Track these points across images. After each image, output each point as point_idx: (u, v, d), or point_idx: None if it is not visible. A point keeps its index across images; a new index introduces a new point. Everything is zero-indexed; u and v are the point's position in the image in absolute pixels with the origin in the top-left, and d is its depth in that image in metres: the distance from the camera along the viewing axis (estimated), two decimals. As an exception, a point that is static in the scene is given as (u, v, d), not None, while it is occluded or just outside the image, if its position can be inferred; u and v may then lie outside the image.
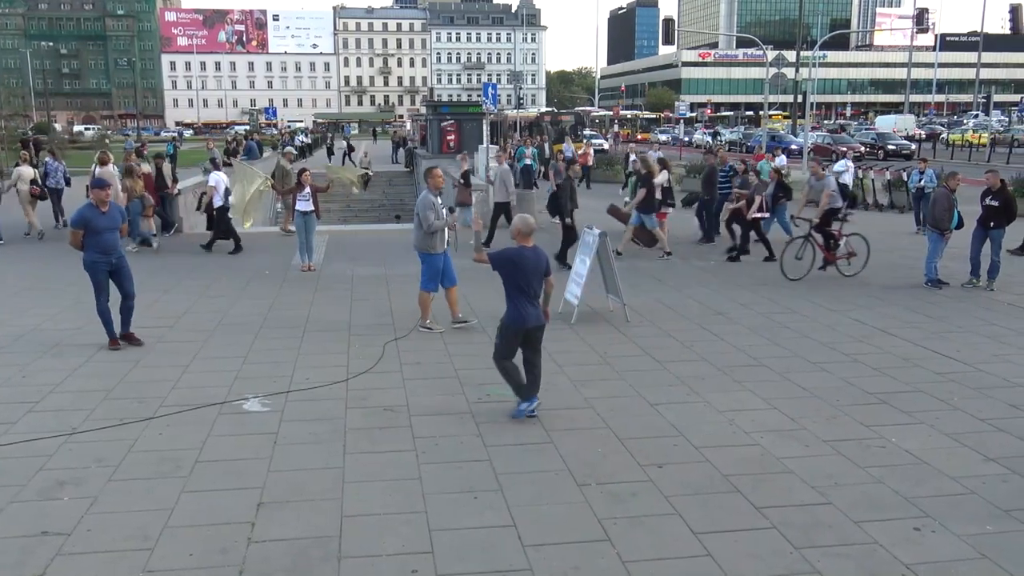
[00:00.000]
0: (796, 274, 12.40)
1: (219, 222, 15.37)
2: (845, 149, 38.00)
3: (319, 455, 5.97)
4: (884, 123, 63.87)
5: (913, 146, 44.22)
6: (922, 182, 18.39)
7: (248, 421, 6.67)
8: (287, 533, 4.84)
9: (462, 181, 17.13)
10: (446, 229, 9.38)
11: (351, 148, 43.65)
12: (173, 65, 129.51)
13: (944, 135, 55.57)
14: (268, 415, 6.78)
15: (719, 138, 56.51)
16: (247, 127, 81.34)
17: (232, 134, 56.91)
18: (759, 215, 14.26)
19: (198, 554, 4.59)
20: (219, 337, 9.25)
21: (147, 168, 16.96)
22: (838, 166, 21.71)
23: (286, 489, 5.41)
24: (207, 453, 6.00)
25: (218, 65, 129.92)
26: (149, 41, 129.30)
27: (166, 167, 17.83)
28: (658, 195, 14.58)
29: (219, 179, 15.40)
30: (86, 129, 76.99)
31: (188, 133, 76.52)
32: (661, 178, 14.94)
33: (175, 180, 18.19)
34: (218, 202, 15.29)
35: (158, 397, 7.18)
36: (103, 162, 15.83)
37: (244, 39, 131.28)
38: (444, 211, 9.39)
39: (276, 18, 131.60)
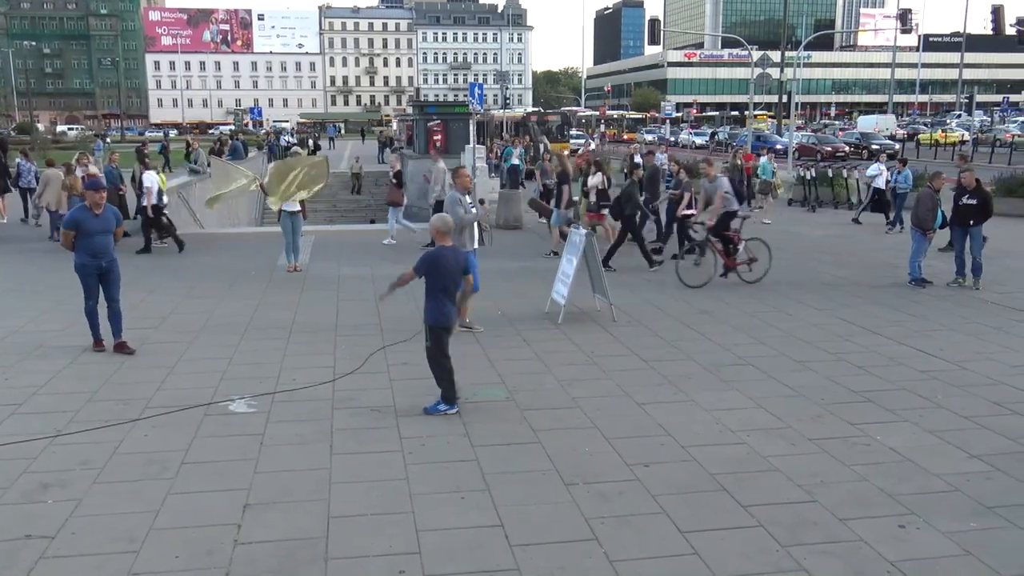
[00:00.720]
0: (695, 281, 11.94)
1: (154, 223, 15.20)
2: (877, 149, 38.39)
3: (305, 456, 5.95)
4: (866, 123, 64.70)
5: (897, 145, 44.55)
6: (893, 183, 18.43)
7: (234, 422, 6.64)
8: (273, 534, 4.82)
9: (394, 181, 17.01)
10: (476, 227, 9.18)
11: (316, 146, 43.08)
12: (157, 65, 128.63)
13: (917, 135, 56.55)
14: (254, 416, 6.76)
15: (716, 138, 56.74)
16: (231, 127, 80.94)
17: (218, 134, 56.60)
18: (687, 212, 14.24)
19: (184, 556, 4.57)
20: (204, 338, 9.20)
21: (94, 169, 17.09)
22: (871, 170, 19.40)
23: (272, 490, 5.39)
24: (193, 455, 5.97)
25: (203, 65, 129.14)
26: (133, 41, 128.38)
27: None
28: (593, 197, 14.94)
29: (153, 180, 15.17)
30: (69, 129, 76.41)
31: (173, 133, 76.14)
32: (595, 180, 15.18)
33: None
34: (152, 202, 15.02)
35: (143, 399, 7.13)
36: (82, 163, 16.05)
37: (229, 39, 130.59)
38: (473, 208, 9.24)
39: (261, 18, 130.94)
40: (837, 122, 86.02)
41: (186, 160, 28.97)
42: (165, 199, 15.79)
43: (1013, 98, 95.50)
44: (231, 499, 5.25)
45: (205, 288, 11.98)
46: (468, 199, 9.23)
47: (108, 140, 64.32)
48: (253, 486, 5.45)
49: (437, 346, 6.79)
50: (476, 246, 9.29)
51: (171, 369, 8.01)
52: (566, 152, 36.89)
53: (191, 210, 20.96)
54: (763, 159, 21.17)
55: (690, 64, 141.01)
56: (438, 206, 15.93)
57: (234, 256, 14.78)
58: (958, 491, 5.41)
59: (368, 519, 5.01)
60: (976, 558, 4.58)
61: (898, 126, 65.70)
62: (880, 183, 18.82)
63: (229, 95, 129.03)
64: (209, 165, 21.20)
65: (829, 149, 41.69)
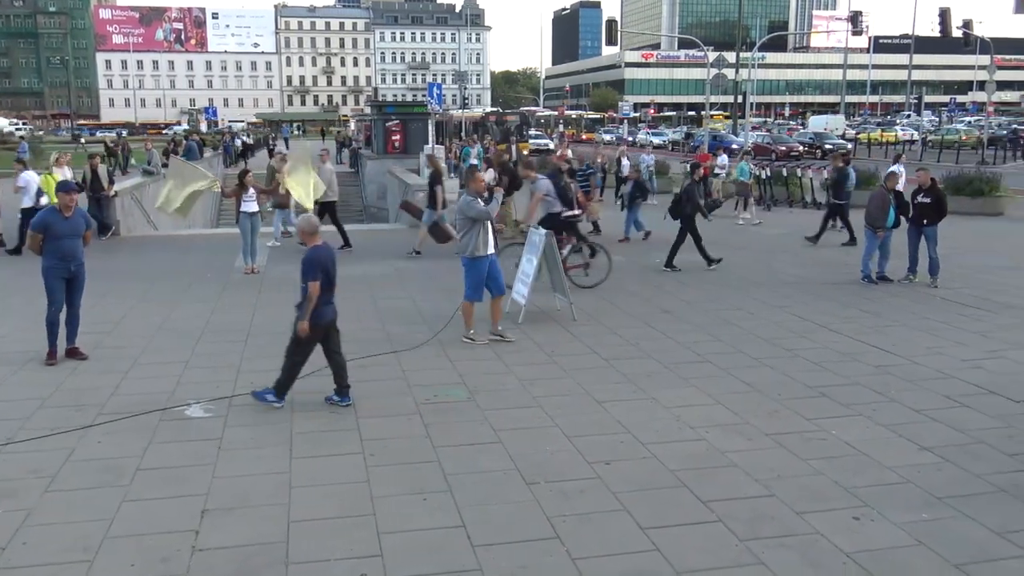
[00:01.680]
0: (587, 282, 11.81)
1: (23, 224, 14.82)
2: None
3: (264, 460, 5.89)
4: (816, 123, 66.69)
5: (850, 145, 45.38)
6: (739, 175, 19.14)
7: (191, 427, 6.54)
8: (232, 540, 4.76)
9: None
10: (491, 231, 8.90)
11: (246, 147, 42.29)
12: (108, 64, 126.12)
13: (858, 135, 58.55)
14: (211, 421, 6.66)
15: (692, 140, 56.78)
16: (186, 127, 79.62)
17: (172, 134, 55.68)
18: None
19: (140, 564, 4.49)
20: (160, 342, 9.04)
21: (68, 172, 16.67)
22: (895, 168, 19.90)
23: (231, 495, 5.32)
24: (149, 460, 5.87)
25: (155, 64, 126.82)
26: (83, 39, 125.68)
27: (101, 168, 17.37)
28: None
29: (29, 179, 14.76)
30: (16, 129, 74.51)
31: (123, 133, 74.65)
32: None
33: (111, 182, 17.73)
34: (27, 203, 14.49)
35: (96, 404, 6.99)
36: (59, 164, 15.70)
37: (183, 37, 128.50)
38: (493, 203, 9.00)
39: (215, 16, 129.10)
40: (791, 122, 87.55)
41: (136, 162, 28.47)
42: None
43: (960, 99, 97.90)
44: (188, 505, 5.17)
45: (160, 291, 11.77)
46: (480, 202, 8.86)
47: (84, 140, 63.12)
48: (211, 491, 5.37)
49: (306, 343, 6.80)
50: (492, 250, 8.94)
51: (125, 374, 7.85)
52: (526, 151, 37.03)
53: (144, 212, 20.58)
54: (741, 162, 21.24)
55: (647, 65, 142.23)
56: (323, 207, 15.67)
57: (190, 258, 14.55)
58: (910, 483, 5.53)
59: (329, 523, 4.97)
60: (928, 548, 4.69)
61: (848, 126, 67.34)
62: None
63: (183, 95, 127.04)
64: (165, 166, 20.87)
65: (784, 149, 42.39)
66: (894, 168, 15.36)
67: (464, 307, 9.04)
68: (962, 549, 4.67)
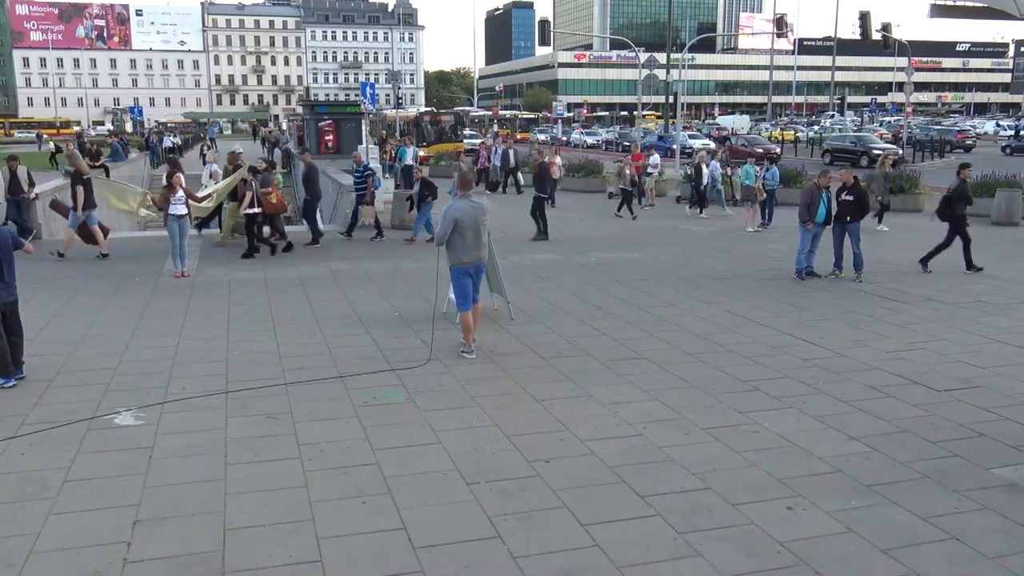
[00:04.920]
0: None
1: None
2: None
3: (198, 468, 5.75)
4: (724, 122, 70.72)
5: (778, 148, 46.33)
6: (759, 181, 19.12)
7: (120, 436, 6.35)
8: (166, 551, 4.64)
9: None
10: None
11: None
12: (26, 61, 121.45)
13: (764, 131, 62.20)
14: (142, 428, 6.48)
15: (646, 139, 56.97)
16: (110, 127, 77.17)
17: (79, 133, 53.43)
18: (250, 211, 14.41)
19: (69, 579, 4.34)
20: (86, 349, 8.75)
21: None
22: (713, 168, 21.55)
23: (163, 505, 5.19)
24: (76, 472, 5.68)
25: (76, 62, 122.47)
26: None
27: (21, 170, 16.69)
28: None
29: None
30: None
31: (31, 134, 71.88)
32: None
33: (32, 184, 17.06)
34: None
35: (19, 415, 6.73)
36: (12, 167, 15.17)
37: (105, 35, 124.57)
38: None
39: (139, 13, 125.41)
40: (708, 121, 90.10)
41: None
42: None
43: (880, 99, 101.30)
44: (119, 516, 5.02)
45: (85, 297, 11.39)
46: (465, 203, 8.45)
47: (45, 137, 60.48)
48: (142, 501, 5.23)
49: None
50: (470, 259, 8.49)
51: (50, 383, 7.58)
52: (460, 151, 36.95)
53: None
54: (746, 165, 20.07)
55: (580, 65, 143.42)
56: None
57: (116, 263, 14.11)
58: (840, 472, 5.71)
59: (266, 529, 4.89)
60: (857, 534, 4.84)
61: (774, 125, 70.65)
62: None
63: (106, 94, 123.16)
64: (92, 168, 20.16)
65: (760, 151, 42.42)
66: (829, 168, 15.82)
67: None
68: (889, 534, 4.84)
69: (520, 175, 27.50)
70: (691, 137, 47.94)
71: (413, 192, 16.78)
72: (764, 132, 62.41)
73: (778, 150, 41.46)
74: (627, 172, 20.98)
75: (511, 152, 27.97)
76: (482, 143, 33.29)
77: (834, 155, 40.41)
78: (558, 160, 24.74)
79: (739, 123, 72.23)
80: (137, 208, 16.99)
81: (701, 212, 20.88)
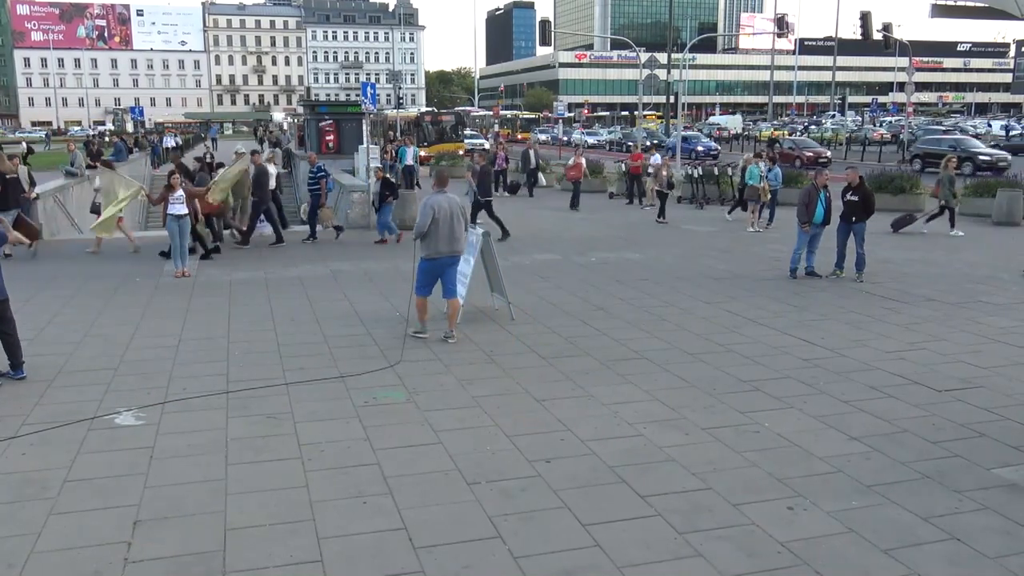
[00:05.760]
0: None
1: None
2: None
3: (199, 468, 5.75)
4: (717, 122, 71.27)
5: (828, 152, 45.59)
6: (748, 180, 19.03)
7: (121, 436, 6.35)
8: (166, 551, 4.64)
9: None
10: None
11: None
12: (27, 61, 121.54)
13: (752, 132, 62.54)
14: (143, 428, 6.48)
15: (649, 141, 56.84)
16: (111, 127, 77.20)
17: (86, 135, 53.56)
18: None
19: (69, 579, 4.35)
20: (86, 349, 8.76)
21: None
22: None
23: (164, 505, 5.19)
24: (76, 472, 5.68)
25: (77, 62, 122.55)
26: (0, 36, 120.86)
27: (22, 170, 16.69)
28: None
29: None
30: None
31: (42, 134, 71.88)
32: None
33: (32, 184, 17.07)
34: None
35: (19, 415, 6.73)
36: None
37: (106, 35, 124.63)
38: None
39: (140, 13, 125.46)
40: (708, 121, 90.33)
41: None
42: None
43: (881, 99, 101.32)
44: (119, 516, 5.03)
45: (86, 297, 11.40)
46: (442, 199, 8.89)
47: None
48: (143, 502, 5.23)
49: None
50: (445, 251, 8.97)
51: (50, 383, 7.58)
52: (460, 151, 36.96)
53: (68, 215, 19.90)
54: (751, 165, 19.29)
55: (581, 65, 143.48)
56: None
57: (117, 262, 14.11)
58: (840, 472, 5.71)
59: (267, 529, 4.89)
60: (858, 534, 4.84)
61: (773, 125, 70.86)
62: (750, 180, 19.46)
63: (107, 94, 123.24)
64: (92, 167, 20.20)
65: (810, 155, 41.60)
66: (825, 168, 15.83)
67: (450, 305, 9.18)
68: (890, 535, 4.84)
69: (542, 175, 27.64)
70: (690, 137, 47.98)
71: (374, 192, 16.83)
72: (764, 132, 61.98)
73: (828, 154, 37.26)
74: (664, 174, 20.38)
75: (531, 152, 27.91)
76: (500, 144, 33.26)
77: (926, 161, 32.35)
78: (583, 161, 24.68)
79: (731, 123, 72.36)
80: (135, 195, 16.91)
81: (736, 212, 19.99)
